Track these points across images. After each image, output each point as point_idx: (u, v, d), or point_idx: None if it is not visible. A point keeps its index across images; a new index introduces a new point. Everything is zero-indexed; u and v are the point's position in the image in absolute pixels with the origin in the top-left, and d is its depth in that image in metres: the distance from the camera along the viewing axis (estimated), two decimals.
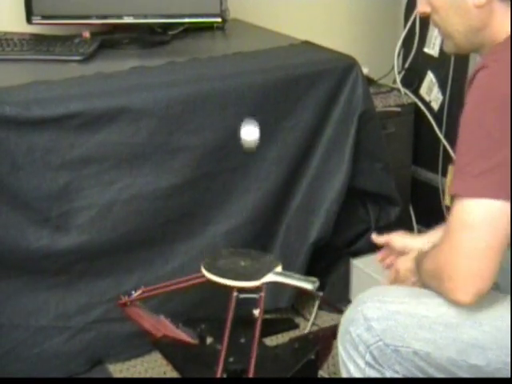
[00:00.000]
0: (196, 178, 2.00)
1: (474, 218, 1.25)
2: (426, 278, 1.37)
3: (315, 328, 2.20)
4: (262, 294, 1.55)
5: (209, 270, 1.59)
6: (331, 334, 1.67)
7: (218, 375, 1.49)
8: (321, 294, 1.60)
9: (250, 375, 1.48)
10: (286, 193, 2.16)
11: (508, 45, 1.31)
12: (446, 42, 1.44)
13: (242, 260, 1.64)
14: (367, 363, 1.32)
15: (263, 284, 1.56)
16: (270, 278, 1.57)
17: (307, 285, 1.56)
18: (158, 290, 1.73)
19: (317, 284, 1.56)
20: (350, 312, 1.37)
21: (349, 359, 1.35)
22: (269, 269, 1.59)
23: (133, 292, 1.69)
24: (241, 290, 1.56)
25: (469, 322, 1.29)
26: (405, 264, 1.49)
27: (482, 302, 1.28)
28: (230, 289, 1.56)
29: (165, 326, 1.68)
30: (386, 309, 1.32)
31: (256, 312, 1.55)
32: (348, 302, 2.30)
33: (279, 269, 1.60)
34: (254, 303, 1.56)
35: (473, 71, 1.30)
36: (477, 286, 1.26)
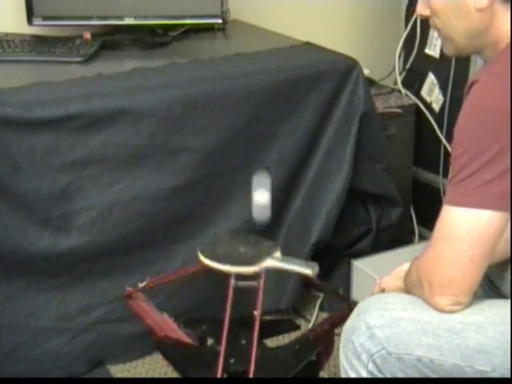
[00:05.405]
0: (197, 179, 2.00)
1: (460, 229, 1.25)
2: (410, 287, 1.36)
3: None
4: (261, 281, 1.50)
5: (206, 256, 1.54)
6: (330, 327, 1.67)
7: (218, 375, 1.48)
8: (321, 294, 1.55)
9: (250, 375, 1.48)
10: (287, 194, 2.16)
11: (504, 55, 1.30)
12: (446, 45, 1.42)
13: (240, 246, 1.59)
14: (369, 373, 1.31)
15: (262, 269, 1.51)
16: (269, 263, 1.52)
17: (306, 270, 1.51)
18: (164, 279, 1.70)
19: (316, 269, 1.51)
20: (351, 321, 1.35)
21: (351, 369, 1.33)
22: (267, 254, 1.54)
23: (139, 284, 1.68)
24: (239, 276, 1.51)
25: (473, 326, 1.28)
26: (394, 283, 1.49)
27: (466, 310, 1.28)
28: (227, 275, 1.51)
29: (168, 326, 1.67)
30: (388, 316, 1.31)
31: (255, 313, 1.54)
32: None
33: (278, 254, 1.55)
34: (254, 302, 1.53)
35: (469, 82, 1.29)
36: (453, 294, 1.27)
